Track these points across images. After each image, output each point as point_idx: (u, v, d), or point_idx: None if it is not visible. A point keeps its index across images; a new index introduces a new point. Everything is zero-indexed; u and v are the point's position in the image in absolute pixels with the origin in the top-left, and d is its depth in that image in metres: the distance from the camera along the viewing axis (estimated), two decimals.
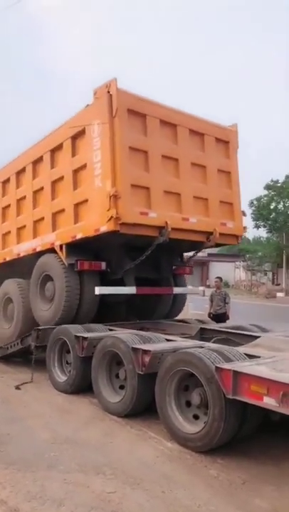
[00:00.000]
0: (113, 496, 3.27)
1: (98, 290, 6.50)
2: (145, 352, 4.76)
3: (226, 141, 7.14)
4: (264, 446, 4.29)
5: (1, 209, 8.87)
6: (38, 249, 7.35)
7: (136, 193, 5.79)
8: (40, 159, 7.42)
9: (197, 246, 7.26)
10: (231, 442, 4.14)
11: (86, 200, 6.18)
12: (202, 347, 4.66)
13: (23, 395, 6.02)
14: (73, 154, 6.48)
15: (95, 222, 5.89)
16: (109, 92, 5.65)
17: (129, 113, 5.78)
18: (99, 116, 5.81)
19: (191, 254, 7.91)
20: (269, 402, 3.52)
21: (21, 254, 7.95)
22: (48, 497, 3.22)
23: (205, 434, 4.04)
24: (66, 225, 6.62)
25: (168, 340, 5.44)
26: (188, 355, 4.36)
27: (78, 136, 6.36)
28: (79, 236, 6.30)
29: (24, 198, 7.94)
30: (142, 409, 5.05)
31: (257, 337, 5.91)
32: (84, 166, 6.21)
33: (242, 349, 4.82)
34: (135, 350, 4.87)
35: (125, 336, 5.34)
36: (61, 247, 6.64)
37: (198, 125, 6.73)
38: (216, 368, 3.93)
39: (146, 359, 4.72)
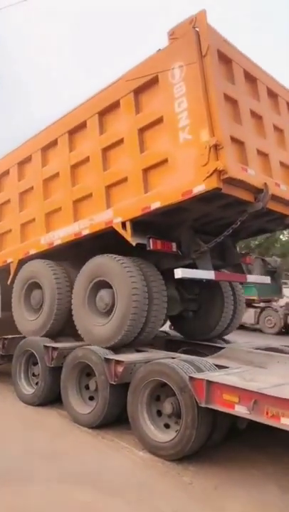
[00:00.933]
0: (93, 505, 3.36)
1: (180, 273, 5.21)
2: (118, 362, 4.87)
3: None
4: (231, 453, 4.49)
5: (18, 195, 7.29)
6: (84, 233, 5.94)
7: (233, 146, 4.84)
8: (80, 126, 6.14)
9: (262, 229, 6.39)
10: (200, 450, 4.32)
11: (164, 161, 5.02)
12: (174, 357, 4.84)
13: None
14: (138, 111, 5.36)
15: (184, 184, 4.78)
16: (195, 27, 4.79)
17: (219, 55, 4.89)
18: (181, 58, 4.87)
19: None
20: (240, 410, 3.74)
21: (55, 244, 6.45)
22: (31, 510, 3.25)
23: (178, 442, 4.19)
24: (130, 197, 5.37)
25: (138, 350, 5.58)
26: (162, 365, 4.52)
27: (145, 88, 5.30)
28: (155, 206, 5.05)
29: (56, 175, 6.53)
30: (113, 419, 5.14)
31: (221, 348, 6.18)
32: (158, 121, 5.13)
33: (210, 360, 5.04)
34: (108, 360, 4.97)
35: (96, 347, 5.42)
36: (123, 224, 5.41)
37: (273, 85, 5.91)
38: (190, 377, 4.11)
39: (120, 369, 4.83)
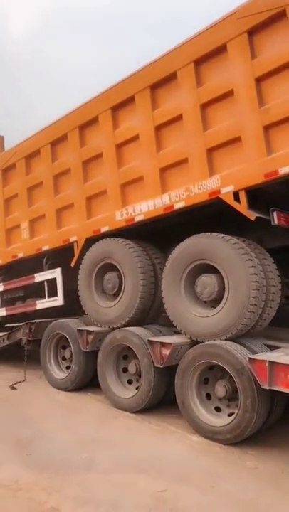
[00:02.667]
0: (166, 494, 3.19)
1: None
2: (163, 345, 4.68)
3: None
4: (286, 435, 4.36)
5: (81, 164, 6.13)
6: (177, 207, 4.98)
7: None
8: (168, 78, 5.09)
9: None
10: (255, 433, 4.18)
11: None
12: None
13: (22, 395, 5.76)
14: (254, 56, 4.37)
15: None
16: None
17: None
18: None
19: None
20: None
21: (136, 220, 5.41)
22: (101, 501, 3.08)
23: (236, 426, 4.04)
24: (244, 161, 4.45)
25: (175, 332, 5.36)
26: (214, 347, 4.33)
27: (265, 26, 4.30)
28: (285, 171, 4.10)
29: (134, 139, 5.46)
30: (156, 403, 4.99)
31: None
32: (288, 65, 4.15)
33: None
34: (152, 343, 4.78)
35: (136, 328, 5.22)
36: (236, 194, 4.51)
37: None
38: (249, 358, 3.93)
39: (166, 352, 4.64)
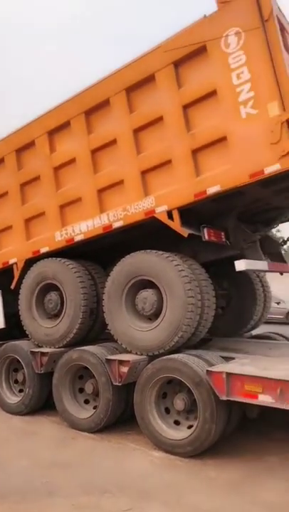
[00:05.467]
0: None
1: (243, 264, 4.77)
2: (122, 362, 4.69)
3: None
4: (241, 444, 4.48)
5: (18, 186, 6.16)
6: (116, 226, 5.16)
7: None
8: (102, 105, 5.28)
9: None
10: (213, 444, 4.28)
11: (222, 139, 4.43)
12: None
13: None
14: (180, 85, 4.70)
15: (252, 164, 4.23)
16: None
17: (277, 22, 4.29)
18: (237, 23, 4.30)
19: None
20: (265, 399, 3.75)
21: (76, 239, 5.54)
22: None
23: (196, 438, 4.12)
24: (176, 182, 4.74)
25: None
26: (172, 361, 4.41)
27: (188, 58, 4.65)
28: (213, 190, 4.46)
29: (71, 162, 5.60)
30: (115, 421, 4.96)
31: (208, 340, 6.16)
32: (209, 95, 4.52)
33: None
34: (110, 361, 4.77)
35: (92, 347, 5.18)
36: (169, 213, 4.79)
37: None
38: (207, 371, 4.05)
39: (124, 370, 4.65)
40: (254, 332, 6.74)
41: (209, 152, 4.54)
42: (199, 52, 4.56)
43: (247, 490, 3.56)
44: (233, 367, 4.15)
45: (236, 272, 4.98)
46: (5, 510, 3.23)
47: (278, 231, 23.05)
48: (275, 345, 5.79)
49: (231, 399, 3.94)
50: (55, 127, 5.74)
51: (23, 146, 6.11)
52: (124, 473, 3.88)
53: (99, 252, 5.90)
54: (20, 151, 6.16)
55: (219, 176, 4.44)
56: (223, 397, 3.94)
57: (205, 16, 4.55)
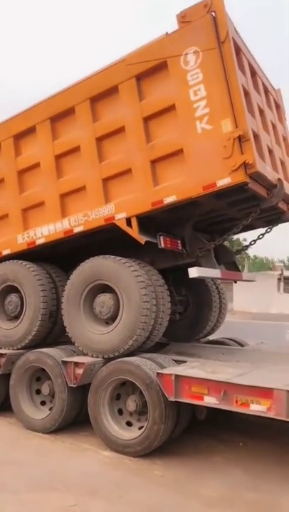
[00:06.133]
0: (76, 508, 3.30)
1: (196, 272, 4.91)
2: (77, 364, 4.80)
3: (277, 104, 6.16)
4: (192, 444, 4.67)
5: None
6: (77, 231, 5.32)
7: (254, 139, 4.52)
8: (67, 112, 5.42)
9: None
10: (163, 445, 4.43)
11: (178, 152, 4.65)
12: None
13: None
14: (142, 98, 4.89)
15: (206, 176, 4.45)
16: (211, 11, 4.46)
17: (233, 43, 4.53)
18: (196, 43, 4.51)
19: None
20: (210, 400, 3.93)
21: (37, 243, 5.67)
22: None
23: (145, 438, 4.26)
24: (134, 191, 4.92)
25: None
26: (126, 363, 4.55)
27: (150, 73, 4.85)
28: (169, 200, 4.66)
29: (34, 166, 5.73)
30: (70, 422, 5.05)
31: (166, 344, 6.33)
32: (168, 109, 4.72)
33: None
34: (66, 363, 4.87)
35: (50, 349, 5.28)
36: (128, 220, 4.97)
37: (265, 80, 5.67)
38: (157, 373, 4.21)
39: (79, 371, 4.76)
40: (211, 337, 6.96)
41: (167, 163, 4.75)
42: (160, 67, 4.75)
43: (189, 487, 3.73)
44: (182, 369, 4.33)
45: (194, 280, 5.19)
46: None
47: (244, 240, 23.85)
48: (229, 350, 6.02)
49: (179, 400, 4.11)
50: (21, 131, 5.83)
51: None
52: (73, 472, 3.99)
53: (62, 256, 6.01)
54: None
55: (175, 186, 4.65)
56: (172, 398, 4.11)
57: (167, 33, 4.76)
